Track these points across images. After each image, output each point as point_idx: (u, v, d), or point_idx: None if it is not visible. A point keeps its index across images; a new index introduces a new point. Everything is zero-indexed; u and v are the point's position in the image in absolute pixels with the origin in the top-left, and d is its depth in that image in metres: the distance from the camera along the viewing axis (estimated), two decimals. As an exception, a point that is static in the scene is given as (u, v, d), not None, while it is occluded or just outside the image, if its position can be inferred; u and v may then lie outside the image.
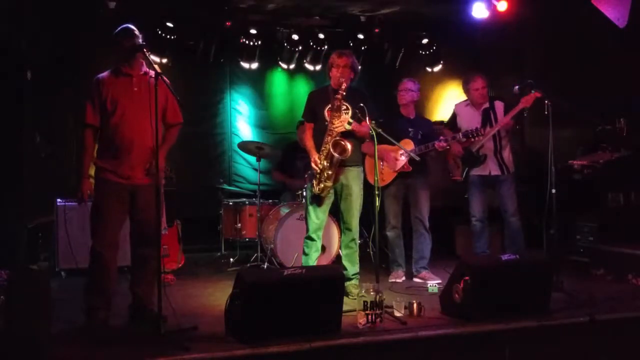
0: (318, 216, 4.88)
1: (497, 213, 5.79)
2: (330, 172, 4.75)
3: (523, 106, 5.34)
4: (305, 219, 4.98)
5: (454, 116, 5.90)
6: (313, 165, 4.78)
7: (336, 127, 4.72)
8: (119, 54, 4.07)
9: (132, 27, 4.06)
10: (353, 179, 4.90)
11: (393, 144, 5.21)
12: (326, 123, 4.80)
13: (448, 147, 5.54)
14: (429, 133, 5.63)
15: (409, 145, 5.39)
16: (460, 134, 5.51)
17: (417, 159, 5.07)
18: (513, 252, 4.67)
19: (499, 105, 5.66)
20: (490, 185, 5.69)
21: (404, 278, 5.53)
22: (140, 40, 4.02)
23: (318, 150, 4.80)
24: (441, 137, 5.48)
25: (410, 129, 5.52)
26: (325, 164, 4.74)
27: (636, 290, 4.95)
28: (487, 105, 5.70)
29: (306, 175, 5.07)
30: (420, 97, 5.80)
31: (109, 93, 4.03)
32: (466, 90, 5.82)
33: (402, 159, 5.43)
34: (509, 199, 5.60)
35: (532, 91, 5.22)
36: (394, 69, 7.81)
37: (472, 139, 5.49)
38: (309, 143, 4.90)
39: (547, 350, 3.91)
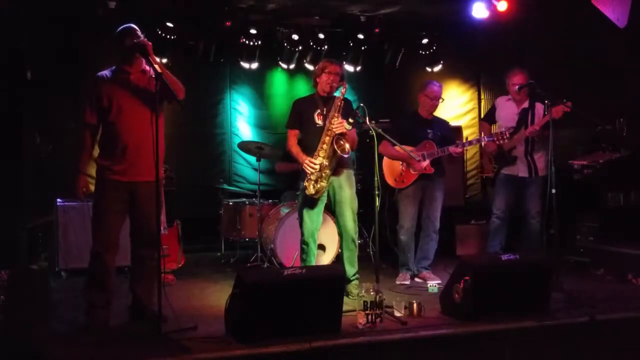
0: (312, 219, 4.88)
1: (513, 215, 5.74)
2: (328, 171, 4.76)
3: (553, 116, 5.17)
4: (300, 223, 4.96)
5: (493, 109, 5.90)
6: (307, 166, 4.75)
7: (335, 128, 4.72)
8: (119, 52, 4.07)
9: (134, 26, 4.05)
10: (345, 181, 4.91)
11: (402, 145, 5.17)
12: (317, 125, 4.83)
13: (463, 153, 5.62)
14: (448, 134, 5.60)
15: (431, 147, 5.35)
16: (469, 141, 5.78)
17: (423, 160, 5.03)
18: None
19: (539, 108, 5.58)
20: (517, 186, 5.65)
21: (410, 281, 5.50)
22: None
23: (307, 153, 4.80)
24: (457, 142, 5.44)
25: (429, 130, 5.45)
26: (324, 162, 4.74)
27: (636, 290, 4.95)
28: (526, 105, 5.65)
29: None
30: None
31: (106, 91, 4.03)
32: (506, 84, 5.76)
33: (425, 161, 5.35)
34: (532, 201, 5.56)
35: (562, 103, 5.12)
36: (394, 69, 7.81)
37: (481, 143, 5.66)
38: (295, 148, 4.91)
39: (547, 350, 3.91)
